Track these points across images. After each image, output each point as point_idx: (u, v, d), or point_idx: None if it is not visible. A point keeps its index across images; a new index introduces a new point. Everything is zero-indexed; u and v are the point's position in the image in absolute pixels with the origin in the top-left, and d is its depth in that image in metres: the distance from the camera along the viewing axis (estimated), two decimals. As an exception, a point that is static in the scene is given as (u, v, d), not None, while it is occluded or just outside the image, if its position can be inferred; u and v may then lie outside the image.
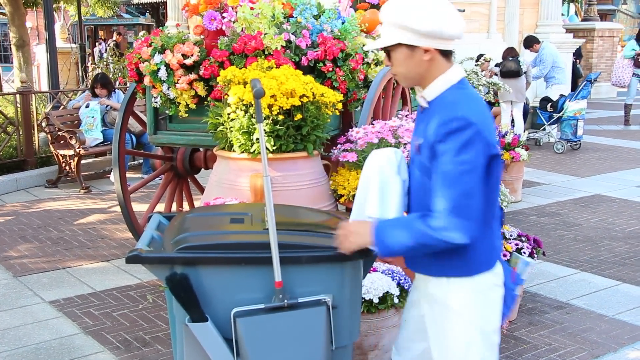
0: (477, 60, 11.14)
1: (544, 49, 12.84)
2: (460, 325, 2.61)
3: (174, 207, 6.53)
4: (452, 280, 2.60)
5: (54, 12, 14.08)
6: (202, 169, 6.32)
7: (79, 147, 9.48)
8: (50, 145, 9.98)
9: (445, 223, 2.38)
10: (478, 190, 2.39)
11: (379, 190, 2.70)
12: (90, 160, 10.15)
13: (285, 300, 2.69)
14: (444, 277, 2.62)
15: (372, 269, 3.98)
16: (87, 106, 9.90)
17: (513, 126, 11.76)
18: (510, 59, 11.96)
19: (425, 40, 2.42)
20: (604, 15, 27.47)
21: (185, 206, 6.73)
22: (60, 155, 9.75)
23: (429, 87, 2.52)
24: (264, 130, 4.24)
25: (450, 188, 2.38)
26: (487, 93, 8.67)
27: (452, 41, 2.49)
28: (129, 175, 7.87)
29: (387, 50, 2.53)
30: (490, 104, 11.60)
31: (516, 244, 4.90)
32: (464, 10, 9.12)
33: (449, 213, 2.38)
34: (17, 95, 10.40)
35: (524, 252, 4.89)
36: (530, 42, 13.06)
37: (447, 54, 2.50)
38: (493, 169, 2.46)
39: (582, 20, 22.69)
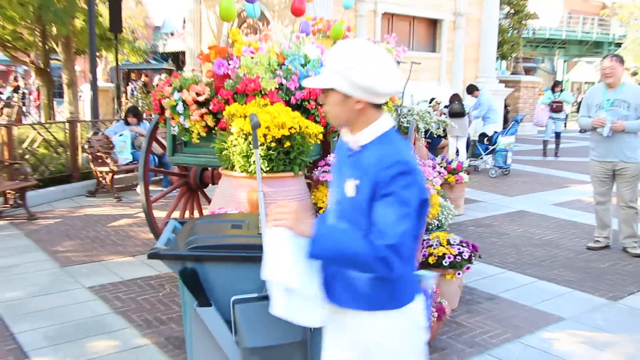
0: (429, 102, 11.20)
1: (482, 95, 12.97)
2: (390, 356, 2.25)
3: (187, 215, 6.49)
4: (377, 314, 2.22)
5: (97, 59, 14.03)
6: (210, 184, 6.28)
7: (112, 165, 9.50)
8: (91, 163, 9.92)
9: (385, 252, 2.03)
10: (413, 231, 2.09)
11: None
12: (122, 175, 10.08)
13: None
14: (369, 310, 2.22)
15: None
16: (120, 135, 9.89)
17: (457, 155, 11.86)
18: (456, 102, 12.14)
19: (359, 92, 2.12)
20: (527, 71, 27.85)
21: (196, 214, 6.69)
22: (98, 171, 9.72)
23: (361, 132, 2.20)
24: (259, 154, 4.22)
25: (393, 226, 2.04)
26: (438, 128, 8.67)
27: (384, 97, 2.18)
28: (151, 188, 7.82)
29: (324, 90, 2.21)
30: (439, 137, 11.68)
31: (458, 249, 4.91)
32: (419, 63, 9.14)
33: (390, 247, 2.03)
34: (67, 124, 10.39)
35: (464, 255, 4.89)
36: (471, 89, 13.20)
37: (378, 106, 2.20)
38: (423, 211, 2.16)
39: (511, 74, 23.03)
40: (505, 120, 17.84)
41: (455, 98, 12.31)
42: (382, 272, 2.06)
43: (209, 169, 6.04)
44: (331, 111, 2.24)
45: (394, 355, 2.24)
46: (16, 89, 24.04)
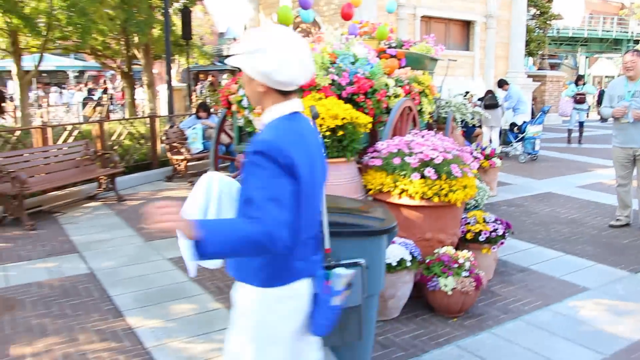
0: (464, 95, 10.97)
1: (511, 89, 12.69)
2: (240, 327, 2.13)
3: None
4: (245, 286, 2.10)
5: (171, 62, 14.25)
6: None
7: (186, 154, 9.64)
8: (167, 153, 10.08)
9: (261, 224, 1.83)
10: (292, 211, 1.88)
11: (204, 198, 2.24)
12: (194, 163, 10.22)
13: (333, 262, 2.64)
14: (241, 282, 2.12)
15: (391, 241, 3.93)
16: (193, 128, 10.02)
17: (490, 143, 11.63)
18: (490, 96, 11.92)
19: (259, 77, 1.98)
20: (552, 66, 27.06)
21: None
22: (174, 159, 9.87)
23: (264, 113, 2.07)
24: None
25: (254, 198, 1.85)
26: (472, 118, 8.47)
27: (286, 85, 2.00)
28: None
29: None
30: (474, 127, 11.48)
31: (493, 226, 4.82)
32: (455, 60, 8.97)
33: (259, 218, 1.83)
34: (147, 119, 10.59)
35: (498, 232, 4.80)
36: (502, 83, 12.92)
37: (285, 92, 2.03)
38: (301, 194, 1.93)
39: (538, 69, 22.46)
40: (533, 111, 17.39)
41: (489, 93, 12.13)
42: (270, 245, 1.83)
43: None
44: (245, 89, 2.12)
45: (250, 332, 2.10)
46: (105, 91, 24.63)
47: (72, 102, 22.18)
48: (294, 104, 2.08)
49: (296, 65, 1.99)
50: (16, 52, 13.05)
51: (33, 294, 4.70)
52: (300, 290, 2.12)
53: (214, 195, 2.27)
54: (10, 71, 15.71)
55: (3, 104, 18.28)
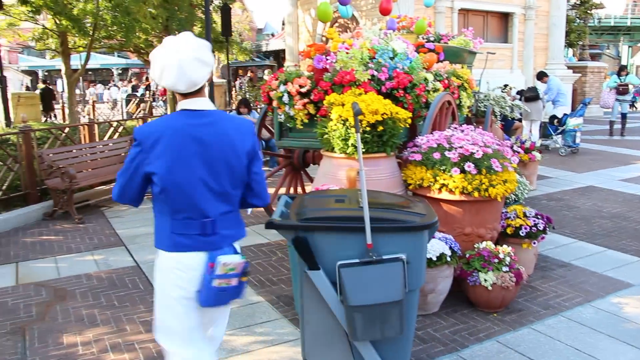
0: (503, 88, 10.74)
1: (551, 81, 12.35)
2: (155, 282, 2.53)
3: (291, 191, 6.55)
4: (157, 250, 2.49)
5: (212, 58, 14.36)
6: (311, 165, 6.31)
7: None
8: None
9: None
10: (126, 179, 2.37)
11: None
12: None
13: (374, 257, 2.64)
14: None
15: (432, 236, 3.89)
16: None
17: (531, 136, 11.40)
18: (530, 88, 11.68)
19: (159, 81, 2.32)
20: (593, 57, 26.29)
21: (299, 190, 6.73)
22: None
23: None
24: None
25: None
26: (512, 112, 8.31)
27: (171, 88, 2.32)
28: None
29: None
30: (513, 120, 11.22)
31: (534, 221, 4.73)
32: (494, 53, 8.78)
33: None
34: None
35: (539, 227, 4.70)
36: (541, 76, 12.58)
37: (182, 93, 2.34)
38: (158, 176, 2.32)
39: (578, 60, 21.85)
40: (573, 103, 16.96)
41: (540, 75, 11.91)
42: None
43: (311, 151, 6.07)
44: None
45: (155, 291, 2.52)
46: (148, 87, 25.06)
47: (118, 99, 22.66)
48: (192, 103, 2.35)
49: (174, 73, 2.25)
50: (65, 52, 13.41)
51: (82, 285, 4.83)
52: (186, 262, 2.39)
53: None
54: (59, 70, 16.12)
55: (52, 102, 18.78)
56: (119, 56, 30.11)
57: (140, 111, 19.31)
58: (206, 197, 2.35)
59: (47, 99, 18.24)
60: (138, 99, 21.29)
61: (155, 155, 2.30)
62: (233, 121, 2.45)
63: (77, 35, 13.01)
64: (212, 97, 12.22)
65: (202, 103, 2.37)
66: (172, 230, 2.40)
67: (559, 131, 11.94)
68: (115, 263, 5.37)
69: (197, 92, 2.36)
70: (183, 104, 2.36)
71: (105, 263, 5.38)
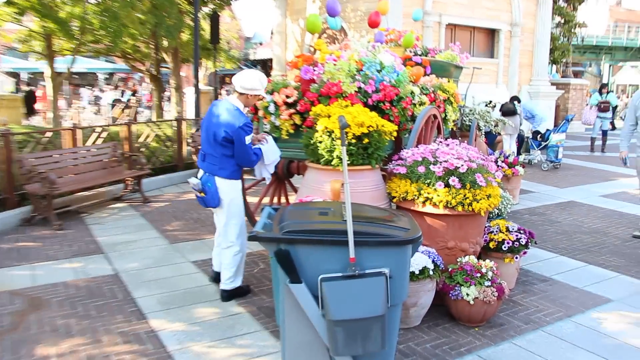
0: (486, 104, 10.79)
1: (526, 105, 12.63)
2: None
3: (275, 201, 6.50)
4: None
5: (199, 66, 14.33)
6: (296, 175, 6.27)
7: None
8: (193, 155, 10.14)
9: None
10: None
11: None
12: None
13: (357, 271, 2.61)
14: None
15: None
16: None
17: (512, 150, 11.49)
18: (509, 102, 11.78)
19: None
20: (576, 74, 26.67)
21: (282, 200, 6.69)
22: (200, 162, 9.90)
23: None
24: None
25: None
26: (496, 126, 8.36)
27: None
28: (245, 177, 7.91)
29: None
30: (495, 134, 11.30)
31: (516, 235, 4.75)
32: (480, 68, 8.86)
33: None
34: (174, 122, 10.63)
35: (522, 241, 4.71)
36: (513, 100, 12.65)
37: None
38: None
39: (562, 77, 22.16)
40: (556, 119, 17.19)
41: (513, 99, 12.00)
42: None
43: (296, 161, 6.02)
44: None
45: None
46: (134, 93, 24.88)
47: (103, 104, 22.44)
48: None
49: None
50: (50, 55, 13.25)
51: (59, 294, 4.73)
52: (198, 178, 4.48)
53: None
54: (42, 73, 15.92)
55: (34, 105, 18.55)
56: (105, 60, 29.90)
57: (125, 116, 19.15)
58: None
59: (30, 102, 18.02)
60: (124, 105, 21.12)
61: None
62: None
63: (63, 38, 12.87)
64: (198, 104, 12.14)
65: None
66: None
67: (541, 146, 12.05)
68: (93, 271, 5.28)
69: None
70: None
71: (84, 271, 5.28)
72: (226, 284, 4.59)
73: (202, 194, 4.41)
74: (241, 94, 4.39)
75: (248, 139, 4.30)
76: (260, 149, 4.60)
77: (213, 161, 4.39)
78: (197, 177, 4.49)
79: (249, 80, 4.36)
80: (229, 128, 4.24)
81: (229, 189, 4.45)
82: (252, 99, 4.44)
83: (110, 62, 30.47)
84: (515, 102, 12.36)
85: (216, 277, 4.91)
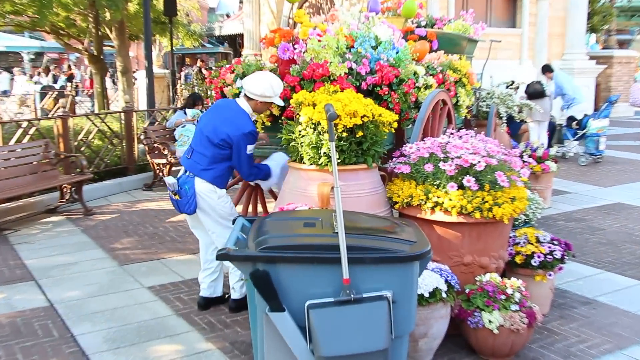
0: (507, 86, 10.82)
1: (558, 77, 12.48)
2: None
3: (249, 210, 6.52)
4: None
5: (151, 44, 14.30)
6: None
7: (170, 157, 9.66)
8: (147, 155, 10.15)
9: None
10: None
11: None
12: (179, 167, 10.17)
13: (352, 295, 2.65)
14: None
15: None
16: (183, 126, 9.95)
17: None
18: (536, 82, 11.75)
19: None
20: (621, 44, 26.82)
21: (259, 208, 6.72)
22: (155, 163, 9.93)
23: None
24: (330, 145, 4.20)
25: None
26: (520, 112, 8.44)
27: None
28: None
29: None
30: (519, 122, 11.36)
31: (549, 247, 4.78)
32: (500, 41, 8.92)
33: None
34: (122, 114, 10.65)
35: (556, 255, 4.76)
36: (545, 70, 12.61)
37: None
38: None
39: (603, 48, 22.20)
40: (596, 101, 17.25)
41: (545, 70, 12.11)
42: None
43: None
44: None
45: None
46: (70, 78, 24.72)
47: (29, 92, 22.26)
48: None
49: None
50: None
51: (-20, 332, 4.72)
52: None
53: None
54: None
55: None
56: (31, 37, 29.70)
57: (58, 108, 19.03)
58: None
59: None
60: (57, 93, 20.98)
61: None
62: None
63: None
64: (151, 92, 12.12)
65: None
66: None
67: (578, 136, 12.14)
68: (20, 303, 5.27)
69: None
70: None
71: (8, 303, 5.26)
72: (235, 291, 4.95)
73: (177, 197, 4.64)
74: (250, 98, 4.61)
75: (250, 149, 4.56)
76: (268, 165, 4.88)
77: (200, 160, 4.61)
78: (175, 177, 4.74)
79: (258, 85, 4.55)
80: (232, 131, 4.49)
81: (208, 195, 4.61)
82: (262, 105, 4.66)
83: (37, 39, 30.25)
84: (543, 81, 12.41)
85: (205, 304, 5.07)
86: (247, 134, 4.51)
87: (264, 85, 4.55)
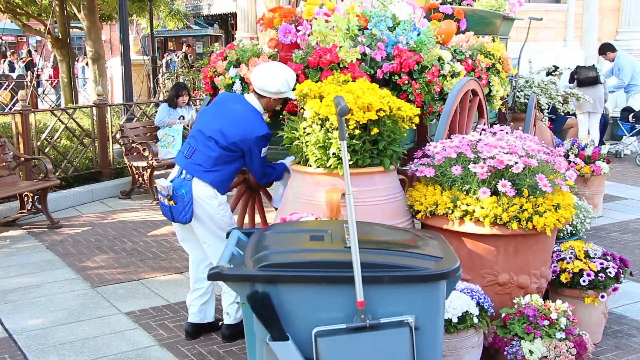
0: (548, 73, 10.76)
1: (620, 58, 12.41)
2: None
3: (246, 220, 6.54)
4: None
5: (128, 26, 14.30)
6: (275, 182, 6.32)
7: (152, 159, 9.58)
8: (124, 157, 10.13)
9: None
10: None
11: None
12: (163, 171, 10.19)
13: (367, 321, 2.66)
14: None
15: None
16: (169, 127, 9.93)
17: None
18: (587, 67, 11.68)
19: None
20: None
21: (257, 218, 6.74)
22: (134, 166, 9.91)
23: None
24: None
25: None
26: (565, 103, 8.44)
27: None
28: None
29: None
30: (565, 115, 11.32)
31: (601, 263, 4.77)
32: (541, 19, 8.93)
33: None
34: (94, 108, 10.58)
35: (610, 272, 4.75)
36: (605, 50, 12.63)
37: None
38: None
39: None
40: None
41: (603, 49, 12.18)
42: None
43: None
44: None
45: None
46: (29, 65, 24.68)
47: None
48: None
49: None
50: None
51: None
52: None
53: None
54: None
55: None
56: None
57: (16, 101, 19.07)
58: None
59: None
60: (13, 83, 21.02)
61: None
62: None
63: None
64: (129, 82, 12.10)
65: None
66: None
67: (635, 130, 12.10)
68: (-26, 333, 5.29)
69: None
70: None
71: (-40, 334, 5.30)
72: (229, 316, 4.94)
73: (171, 203, 4.58)
74: (262, 96, 4.67)
75: (264, 151, 4.70)
76: (284, 164, 5.02)
77: (201, 159, 4.60)
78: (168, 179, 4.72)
79: (272, 83, 4.60)
80: (245, 135, 4.56)
81: (207, 202, 4.60)
82: (274, 102, 4.77)
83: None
84: (599, 65, 12.31)
85: (193, 332, 5.08)
86: (262, 137, 4.57)
87: (279, 82, 4.59)
